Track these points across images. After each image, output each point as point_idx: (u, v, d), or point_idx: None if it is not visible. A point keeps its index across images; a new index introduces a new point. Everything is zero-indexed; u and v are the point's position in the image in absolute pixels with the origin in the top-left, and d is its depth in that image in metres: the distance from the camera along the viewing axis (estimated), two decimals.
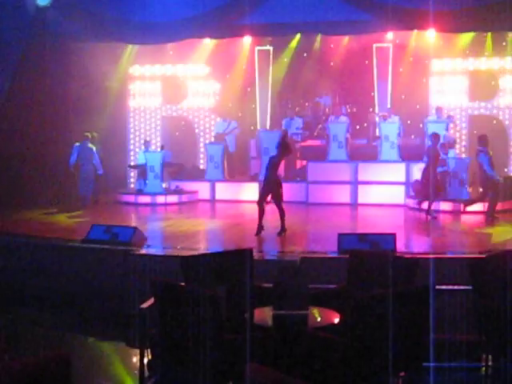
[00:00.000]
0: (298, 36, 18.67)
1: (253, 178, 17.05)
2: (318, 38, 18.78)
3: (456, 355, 6.03)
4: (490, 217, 12.88)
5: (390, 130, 16.26)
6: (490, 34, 17.43)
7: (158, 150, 17.45)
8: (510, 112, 17.77)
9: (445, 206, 14.23)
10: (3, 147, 14.89)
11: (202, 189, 16.81)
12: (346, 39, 18.65)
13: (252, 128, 19.58)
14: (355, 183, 15.82)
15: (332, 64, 19.20)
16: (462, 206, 13.87)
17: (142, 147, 17.71)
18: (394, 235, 9.41)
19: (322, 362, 5.24)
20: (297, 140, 17.37)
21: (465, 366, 6.21)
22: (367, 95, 19.06)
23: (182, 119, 19.96)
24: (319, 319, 5.63)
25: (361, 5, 15.38)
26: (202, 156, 19.06)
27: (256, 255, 7.05)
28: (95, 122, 17.09)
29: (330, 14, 15.43)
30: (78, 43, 16.20)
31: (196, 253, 8.76)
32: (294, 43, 19.04)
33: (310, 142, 17.68)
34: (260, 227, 11.30)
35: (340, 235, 9.55)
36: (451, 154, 15.09)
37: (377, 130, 17.30)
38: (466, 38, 17.67)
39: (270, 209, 15.26)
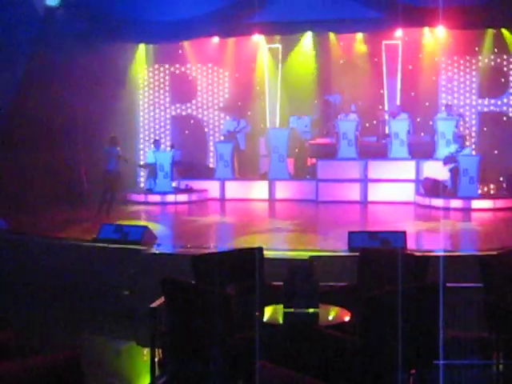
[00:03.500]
0: (308, 34, 18.65)
1: (263, 177, 17.05)
2: (328, 35, 18.74)
3: (467, 353, 6.02)
4: None
5: (399, 127, 16.22)
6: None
7: (168, 148, 17.47)
8: None
9: (455, 203, 14.20)
10: (14, 147, 14.91)
11: (212, 187, 16.80)
12: (355, 37, 18.61)
13: (262, 126, 19.58)
14: (365, 181, 15.79)
15: (342, 62, 19.15)
16: None
17: (152, 146, 17.73)
18: (404, 233, 9.40)
19: (332, 360, 5.24)
20: (306, 138, 17.34)
21: (475, 363, 6.19)
22: (376, 93, 19.01)
23: (191, 118, 19.96)
24: (329, 317, 5.64)
25: (370, 2, 15.36)
26: (211, 155, 19.06)
27: (266, 254, 7.04)
28: (105, 122, 17.11)
29: (340, 11, 15.41)
30: (87, 43, 16.21)
31: (206, 251, 8.79)
32: (303, 41, 19.02)
33: (319, 140, 17.66)
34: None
35: (350, 233, 9.54)
36: (467, 150, 14.99)
37: (386, 128, 17.26)
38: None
39: (282, 208, 15.30)
